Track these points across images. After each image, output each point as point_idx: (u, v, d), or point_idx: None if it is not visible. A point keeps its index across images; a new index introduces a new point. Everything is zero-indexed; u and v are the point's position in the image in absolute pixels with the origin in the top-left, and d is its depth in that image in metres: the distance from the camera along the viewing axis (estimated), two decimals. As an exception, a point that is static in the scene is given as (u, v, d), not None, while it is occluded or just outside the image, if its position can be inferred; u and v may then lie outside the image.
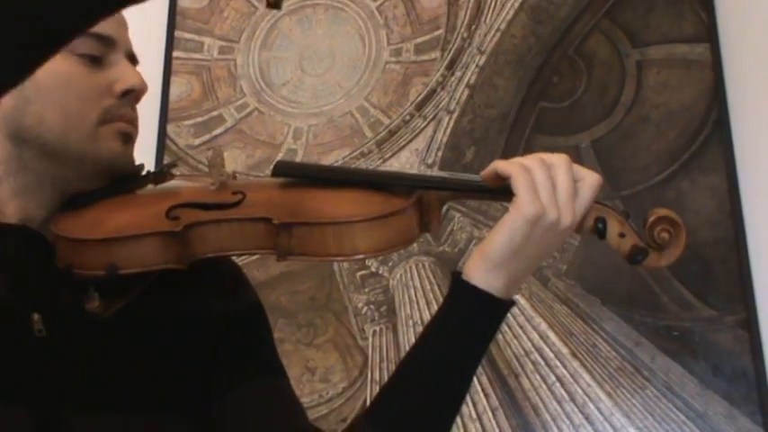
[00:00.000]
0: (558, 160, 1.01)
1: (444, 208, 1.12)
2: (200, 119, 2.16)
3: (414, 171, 2.00)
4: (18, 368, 0.98)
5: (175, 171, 1.13)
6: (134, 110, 1.09)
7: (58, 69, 1.01)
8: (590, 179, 1.02)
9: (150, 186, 1.09)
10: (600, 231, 1.04)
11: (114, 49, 1.06)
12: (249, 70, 2.18)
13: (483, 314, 1.03)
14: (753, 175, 1.84)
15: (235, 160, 2.09)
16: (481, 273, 1.01)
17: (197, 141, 2.14)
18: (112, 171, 1.05)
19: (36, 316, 0.98)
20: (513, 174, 0.99)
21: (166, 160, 2.10)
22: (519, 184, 0.99)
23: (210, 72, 2.19)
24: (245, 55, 2.19)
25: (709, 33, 1.93)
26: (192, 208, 1.01)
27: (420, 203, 1.04)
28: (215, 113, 2.16)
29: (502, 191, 1.02)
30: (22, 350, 0.98)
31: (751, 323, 1.75)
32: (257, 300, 1.18)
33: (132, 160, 1.09)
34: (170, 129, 2.12)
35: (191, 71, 2.19)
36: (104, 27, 1.04)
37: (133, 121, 1.08)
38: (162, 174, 1.10)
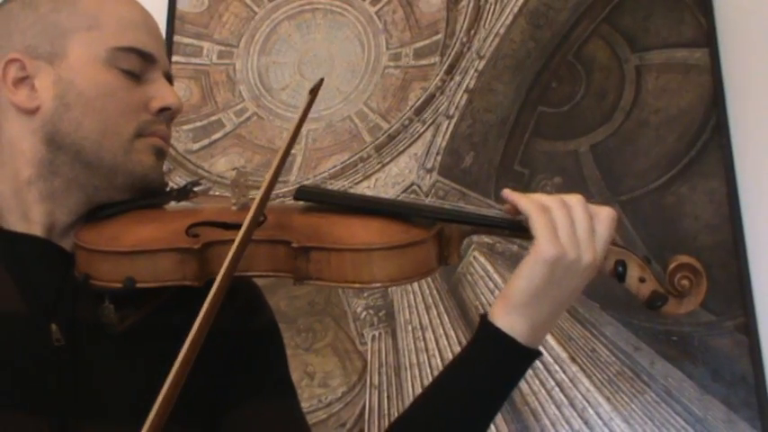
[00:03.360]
0: (574, 199, 1.01)
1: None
2: (198, 123, 2.16)
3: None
4: (36, 377, 0.98)
5: (198, 189, 1.14)
6: (169, 127, 1.12)
7: (101, 80, 1.05)
8: (604, 214, 1.02)
9: (172, 203, 1.11)
10: (620, 275, 1.03)
11: (154, 67, 1.10)
12: (248, 75, 2.18)
13: (505, 359, 1.01)
14: (752, 179, 1.84)
15: (233, 165, 2.09)
16: (504, 316, 1.00)
17: (196, 146, 2.14)
18: (142, 184, 1.08)
19: (54, 326, 0.99)
20: (533, 214, 0.99)
21: (165, 166, 2.10)
22: (537, 225, 0.99)
23: (209, 77, 2.20)
24: (245, 60, 2.19)
25: (708, 38, 1.93)
26: (212, 227, 1.02)
27: (440, 236, 1.04)
28: (214, 118, 2.16)
29: (523, 229, 1.01)
30: (40, 360, 0.99)
31: (750, 328, 1.74)
32: (273, 321, 1.19)
33: (162, 176, 1.11)
34: (169, 133, 2.12)
35: (190, 76, 2.20)
36: (147, 45, 1.09)
37: (167, 138, 1.11)
38: (185, 191, 1.12)
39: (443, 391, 1.04)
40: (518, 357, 1.02)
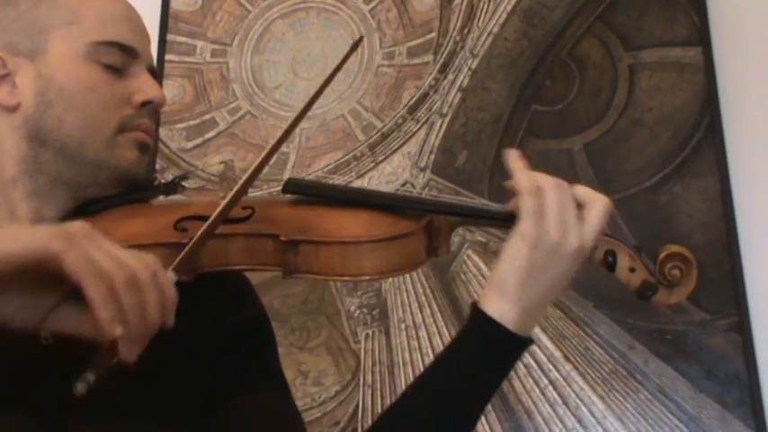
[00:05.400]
0: (566, 184, 1.00)
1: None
2: (192, 122, 2.15)
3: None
4: (25, 376, 0.98)
5: (186, 183, 1.14)
6: (153, 121, 1.11)
7: (82, 75, 1.04)
8: (598, 203, 1.01)
9: (161, 197, 1.10)
10: (610, 264, 1.03)
11: (136, 60, 1.09)
12: (242, 73, 2.18)
13: (494, 346, 1.01)
14: (745, 178, 1.84)
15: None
16: (493, 302, 1.00)
17: (189, 145, 2.13)
18: (127, 179, 1.07)
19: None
20: (524, 195, 0.99)
21: (159, 164, 2.09)
22: (525, 206, 0.99)
23: (203, 75, 2.19)
24: (238, 58, 2.19)
25: (701, 37, 1.94)
26: (201, 221, 1.01)
27: (429, 228, 1.03)
28: (207, 117, 2.16)
29: (512, 220, 1.01)
30: (28, 358, 0.98)
31: (744, 326, 1.75)
32: (263, 312, 1.18)
33: (146, 170, 1.10)
34: (162, 132, 2.11)
35: (183, 74, 2.19)
36: (129, 38, 1.08)
37: (150, 132, 1.10)
38: (173, 185, 1.11)
39: (434, 379, 1.04)
40: (508, 345, 1.01)
